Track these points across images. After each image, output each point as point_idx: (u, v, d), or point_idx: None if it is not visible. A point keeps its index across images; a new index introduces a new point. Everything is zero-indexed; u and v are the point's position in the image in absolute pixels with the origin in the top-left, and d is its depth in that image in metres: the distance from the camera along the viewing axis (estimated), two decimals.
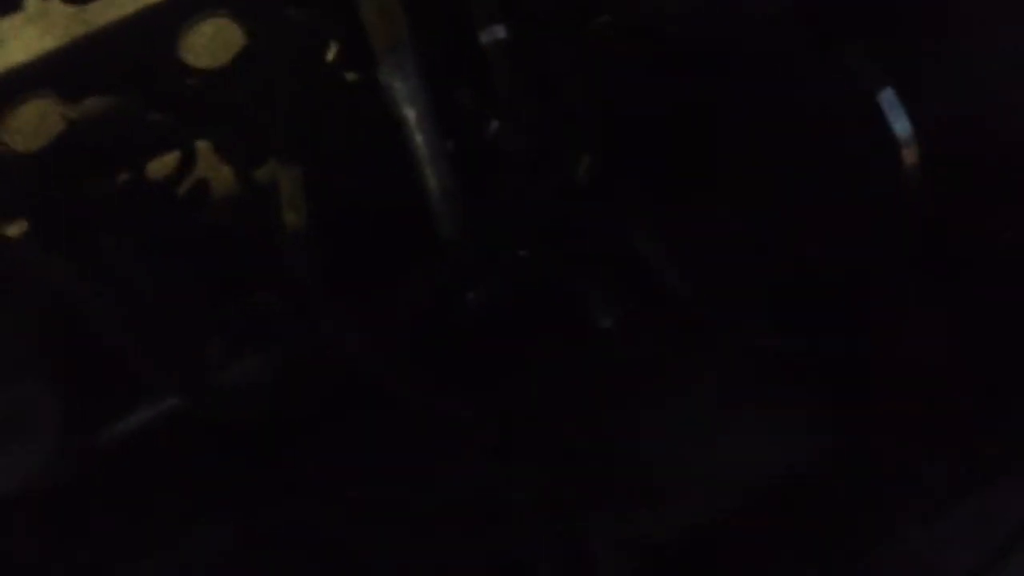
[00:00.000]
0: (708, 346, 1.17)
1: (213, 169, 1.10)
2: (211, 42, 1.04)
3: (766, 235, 1.18)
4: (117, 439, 1.10)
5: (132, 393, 1.09)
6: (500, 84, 1.10)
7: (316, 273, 1.06)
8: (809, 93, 1.16)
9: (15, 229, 1.03)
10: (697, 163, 1.18)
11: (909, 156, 1.16)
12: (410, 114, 1.10)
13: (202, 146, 1.10)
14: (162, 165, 1.10)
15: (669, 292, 1.17)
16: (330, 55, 1.11)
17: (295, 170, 1.06)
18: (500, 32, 1.10)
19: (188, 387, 1.09)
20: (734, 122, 1.18)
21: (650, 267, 1.16)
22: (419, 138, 1.11)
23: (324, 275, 1.08)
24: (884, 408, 1.13)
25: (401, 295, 1.13)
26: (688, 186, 1.18)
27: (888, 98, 1.14)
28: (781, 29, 1.14)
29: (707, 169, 1.18)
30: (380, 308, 1.12)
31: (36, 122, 0.99)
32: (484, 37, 1.10)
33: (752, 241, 1.18)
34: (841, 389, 1.15)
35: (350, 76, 1.12)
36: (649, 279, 1.17)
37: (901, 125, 1.16)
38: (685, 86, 1.17)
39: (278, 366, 1.10)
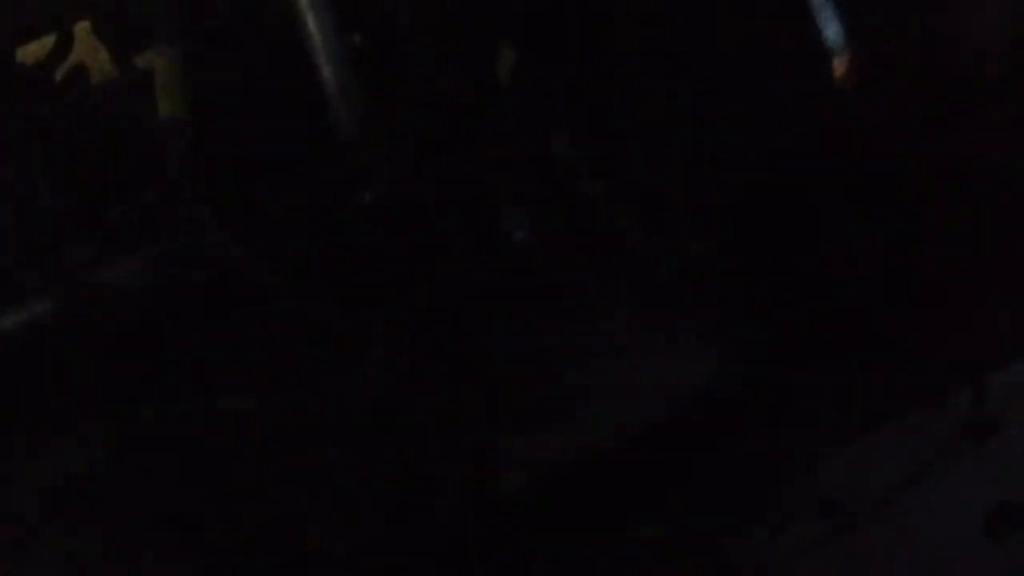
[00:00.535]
0: (622, 259, 1.10)
1: (90, 55, 1.03)
2: None
3: (686, 141, 1.11)
4: None
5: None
6: None
7: (192, 165, 1.00)
8: None
9: None
10: (618, 65, 1.11)
11: (839, 64, 1.08)
12: (302, 6, 1.04)
13: (80, 29, 1.04)
14: (40, 48, 1.04)
15: (583, 200, 1.10)
16: None
17: (173, 54, 1.00)
18: None
19: (57, 288, 1.03)
20: (656, 20, 1.10)
21: (565, 172, 1.10)
22: (312, 23, 1.05)
23: (207, 171, 1.02)
24: (804, 327, 1.07)
25: (290, 194, 1.07)
26: (606, 90, 1.11)
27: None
28: None
29: (627, 72, 1.11)
30: (267, 208, 1.06)
31: None
32: None
33: (671, 148, 1.11)
34: (759, 306, 1.09)
35: None
36: (563, 189, 1.11)
37: (833, 29, 1.09)
38: None
39: (156, 267, 1.04)
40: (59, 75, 1.03)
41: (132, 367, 1.04)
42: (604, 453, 1.06)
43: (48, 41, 1.02)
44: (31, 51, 1.02)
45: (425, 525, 1.01)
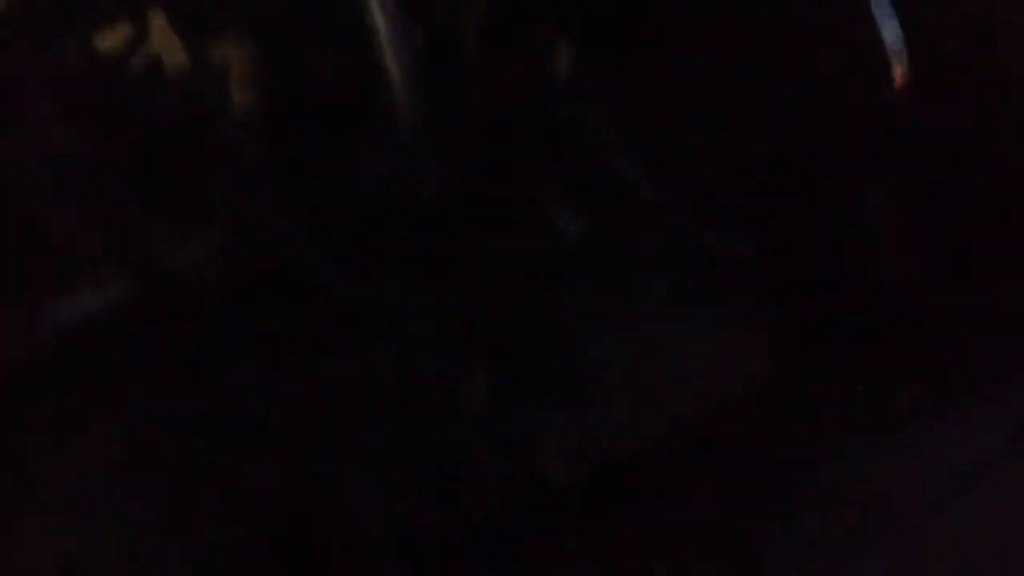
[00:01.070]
0: (667, 250, 1.12)
1: (165, 47, 1.07)
2: None
3: (736, 137, 1.12)
4: (64, 324, 1.08)
5: (77, 276, 1.07)
6: None
7: (262, 155, 1.03)
8: None
9: None
10: (669, 58, 1.12)
11: (898, 65, 1.09)
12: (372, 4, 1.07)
13: (156, 22, 1.07)
14: (117, 37, 1.07)
15: (631, 193, 1.12)
16: None
17: (247, 47, 1.03)
18: None
19: (136, 270, 1.06)
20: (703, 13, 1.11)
21: (613, 166, 1.11)
22: (382, 21, 1.07)
23: (274, 158, 1.04)
24: (848, 324, 1.07)
25: (352, 180, 1.09)
26: (658, 82, 1.13)
27: None
28: None
29: (678, 64, 1.12)
30: (329, 193, 1.09)
31: None
32: None
33: (720, 143, 1.12)
34: (804, 301, 1.10)
35: None
36: (611, 182, 1.12)
37: (891, 30, 1.09)
38: None
39: (221, 249, 1.07)
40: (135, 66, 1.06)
41: (196, 348, 1.07)
42: (647, 443, 1.07)
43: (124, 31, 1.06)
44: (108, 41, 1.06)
45: (467, 508, 1.03)
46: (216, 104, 1.04)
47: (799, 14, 1.10)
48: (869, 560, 0.97)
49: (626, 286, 1.13)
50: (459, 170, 1.11)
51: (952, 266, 1.09)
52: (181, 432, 1.05)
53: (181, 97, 1.05)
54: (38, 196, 1.01)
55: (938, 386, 1.05)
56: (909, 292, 1.07)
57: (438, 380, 1.07)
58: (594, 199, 1.14)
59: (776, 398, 1.06)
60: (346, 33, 1.07)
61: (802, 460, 1.03)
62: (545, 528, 1.02)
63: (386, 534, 1.01)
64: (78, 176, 1.04)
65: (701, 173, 1.13)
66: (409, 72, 1.09)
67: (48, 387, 1.09)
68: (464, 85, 1.08)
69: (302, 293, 1.08)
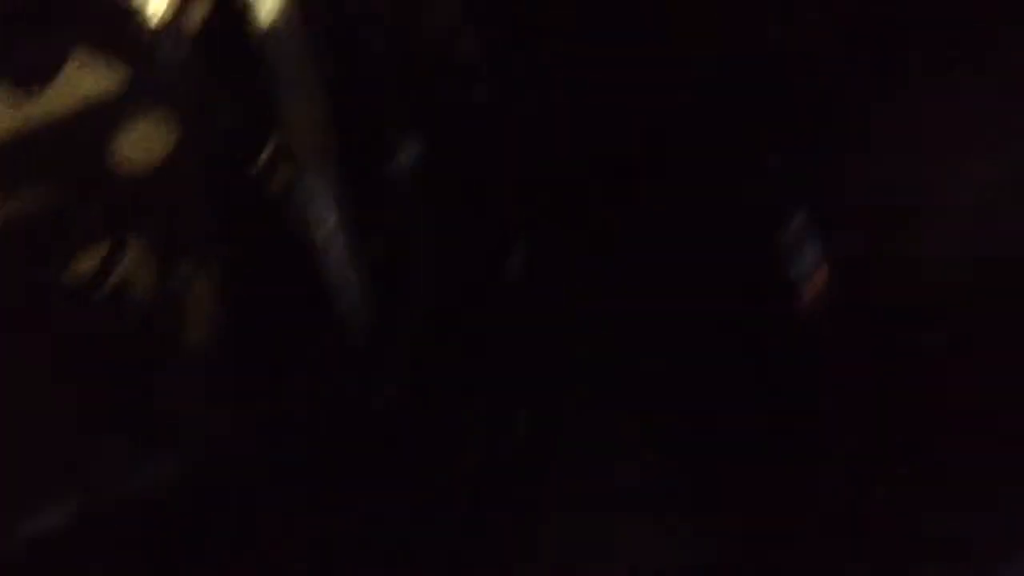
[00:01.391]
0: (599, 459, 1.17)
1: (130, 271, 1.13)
2: (144, 140, 1.10)
3: (661, 336, 1.18)
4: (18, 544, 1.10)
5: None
6: (410, 203, 1.14)
7: (217, 382, 1.08)
8: (717, 199, 1.17)
9: None
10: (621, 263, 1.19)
11: (810, 288, 1.15)
12: (322, 232, 1.14)
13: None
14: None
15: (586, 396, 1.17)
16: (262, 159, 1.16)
17: (207, 275, 1.10)
18: (414, 150, 1.14)
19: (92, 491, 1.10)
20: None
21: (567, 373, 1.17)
22: (330, 253, 1.15)
23: (230, 379, 1.10)
24: (770, 526, 1.12)
25: (303, 396, 1.15)
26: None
27: (796, 226, 1.13)
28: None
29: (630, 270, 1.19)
30: (283, 410, 1.14)
31: None
32: (400, 159, 1.14)
33: (647, 346, 1.18)
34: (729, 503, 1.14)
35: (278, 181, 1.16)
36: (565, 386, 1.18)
37: (808, 257, 1.16)
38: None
39: (178, 470, 1.11)
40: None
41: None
42: None
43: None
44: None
45: None
46: (178, 328, 1.09)
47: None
48: None
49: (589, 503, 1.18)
50: (411, 380, 1.17)
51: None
52: None
53: (145, 321, 1.11)
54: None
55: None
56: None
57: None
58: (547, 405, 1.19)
59: None
60: (297, 248, 1.14)
61: None
62: None
63: None
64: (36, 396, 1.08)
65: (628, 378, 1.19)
66: (361, 286, 1.16)
67: None
68: (416, 296, 1.14)
69: (257, 516, 1.12)
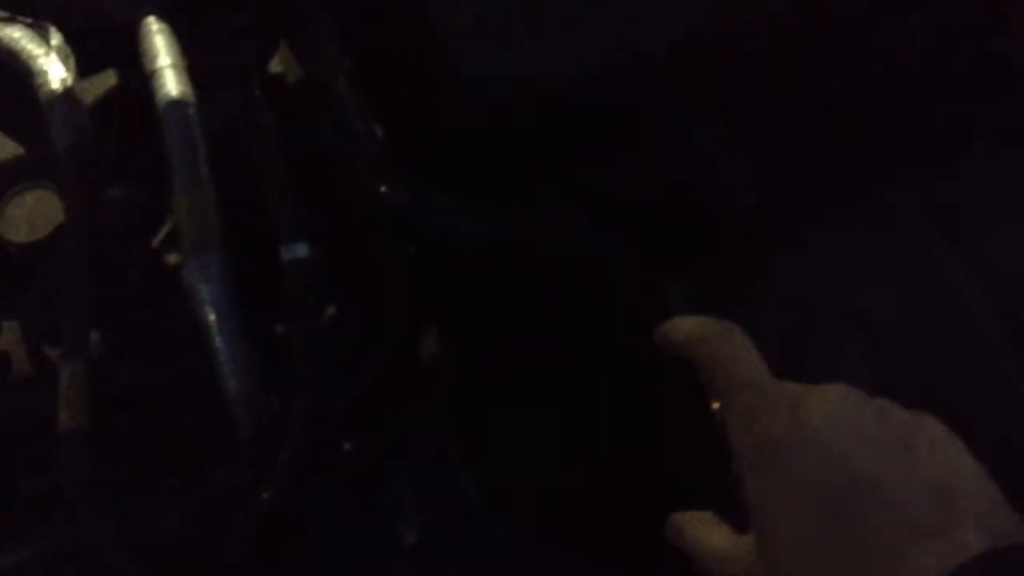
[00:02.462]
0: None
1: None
2: (30, 214, 1.09)
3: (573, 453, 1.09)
4: None
5: None
6: (294, 300, 1.09)
7: (85, 473, 1.05)
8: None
9: None
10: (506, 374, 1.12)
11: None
12: (211, 317, 1.10)
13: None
14: None
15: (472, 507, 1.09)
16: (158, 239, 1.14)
17: (79, 365, 1.06)
18: (302, 251, 1.09)
19: None
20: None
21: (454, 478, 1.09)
22: (219, 342, 1.10)
23: (101, 471, 1.06)
24: None
25: (191, 503, 1.10)
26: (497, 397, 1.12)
27: None
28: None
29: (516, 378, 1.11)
30: (162, 516, 1.09)
31: None
32: (284, 254, 1.09)
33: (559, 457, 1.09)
34: None
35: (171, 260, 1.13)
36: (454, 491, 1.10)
37: None
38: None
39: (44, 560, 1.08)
40: None
41: None
42: None
43: None
44: None
45: None
46: (51, 412, 1.06)
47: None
48: None
49: None
50: (303, 480, 1.11)
51: None
52: None
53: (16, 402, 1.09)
54: None
55: None
56: None
57: None
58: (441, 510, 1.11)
59: None
60: (182, 349, 1.10)
61: None
62: None
63: None
64: None
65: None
66: (247, 390, 1.10)
67: None
68: (309, 387, 1.08)
69: None
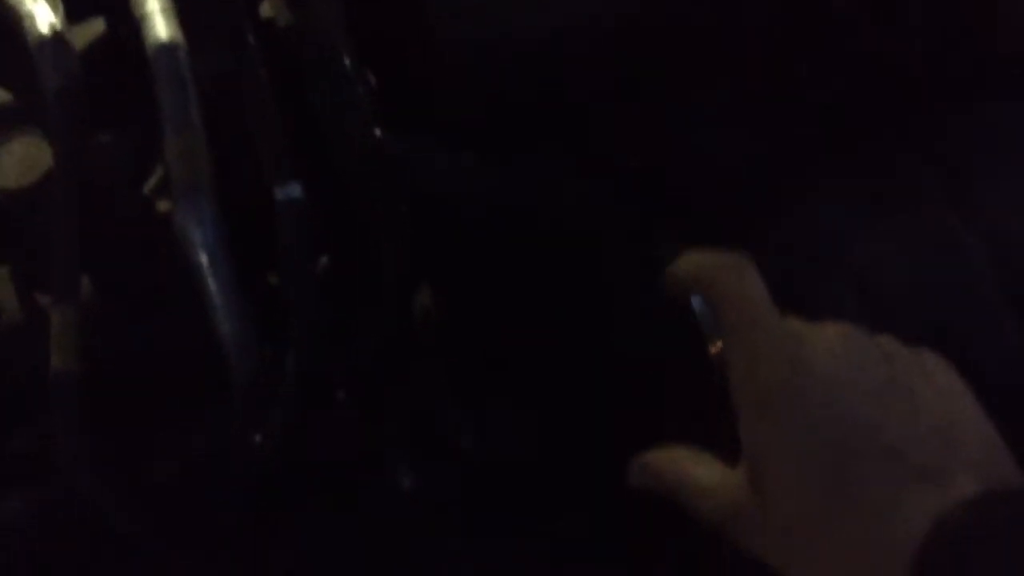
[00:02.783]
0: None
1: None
2: (19, 160, 1.08)
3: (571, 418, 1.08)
4: None
5: None
6: (287, 243, 1.07)
7: (77, 420, 1.03)
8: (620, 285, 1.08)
9: None
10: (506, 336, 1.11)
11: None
12: (204, 260, 1.08)
13: None
14: None
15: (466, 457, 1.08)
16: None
17: (69, 310, 1.05)
18: (295, 191, 1.08)
19: None
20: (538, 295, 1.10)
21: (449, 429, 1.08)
22: (212, 285, 1.09)
23: (96, 418, 1.05)
24: None
25: (183, 457, 1.09)
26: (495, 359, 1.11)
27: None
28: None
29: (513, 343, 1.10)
30: (152, 459, 1.08)
31: None
32: (278, 195, 1.07)
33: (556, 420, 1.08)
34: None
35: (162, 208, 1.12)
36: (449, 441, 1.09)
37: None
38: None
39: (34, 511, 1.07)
40: None
41: None
42: None
43: None
44: None
45: None
46: (42, 359, 1.05)
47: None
48: None
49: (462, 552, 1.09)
50: (294, 437, 1.10)
51: None
52: None
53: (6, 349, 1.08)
54: None
55: None
56: None
57: None
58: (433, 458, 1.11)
59: None
60: (174, 297, 1.09)
61: None
62: None
63: None
64: None
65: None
66: (239, 336, 1.09)
67: None
68: (303, 335, 1.07)
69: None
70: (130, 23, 1.10)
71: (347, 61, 1.09)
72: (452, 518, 1.09)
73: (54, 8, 1.12)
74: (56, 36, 1.10)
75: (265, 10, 1.17)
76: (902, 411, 0.80)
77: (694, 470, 0.86)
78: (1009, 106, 1.15)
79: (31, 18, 1.10)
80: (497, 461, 1.07)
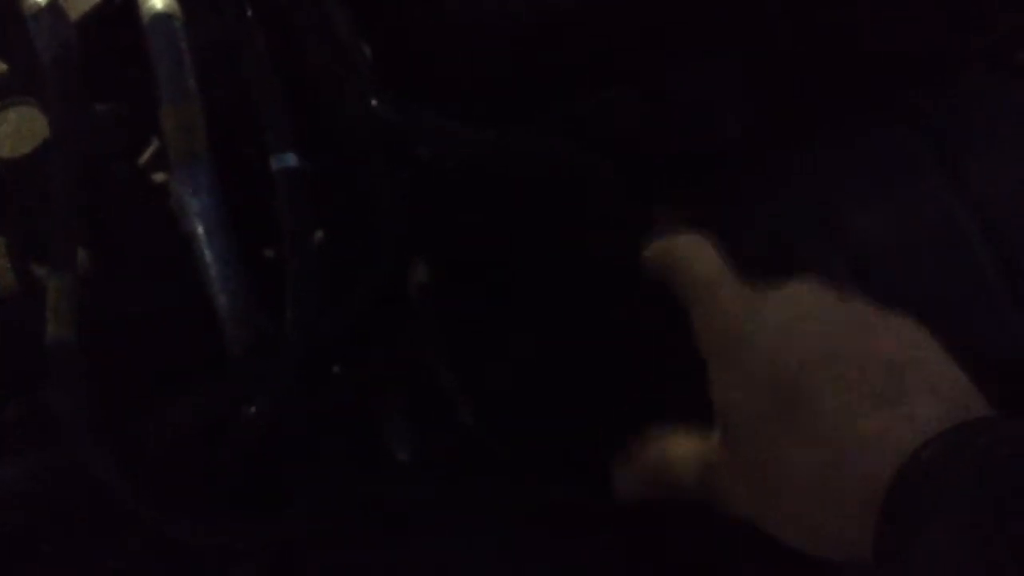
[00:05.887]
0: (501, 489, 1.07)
1: None
2: (15, 130, 1.07)
3: (569, 380, 1.08)
4: None
5: None
6: (284, 212, 1.07)
7: (74, 389, 1.03)
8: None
9: None
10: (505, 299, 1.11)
11: None
12: (200, 230, 1.08)
13: None
14: None
15: (464, 427, 1.08)
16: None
17: (66, 279, 1.05)
18: (291, 160, 1.08)
19: None
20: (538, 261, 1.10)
21: (446, 399, 1.09)
22: (208, 255, 1.09)
23: (93, 387, 1.05)
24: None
25: (173, 414, 1.09)
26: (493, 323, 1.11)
27: None
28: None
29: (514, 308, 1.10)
30: (149, 427, 1.08)
31: None
32: (274, 163, 1.08)
33: (554, 386, 1.08)
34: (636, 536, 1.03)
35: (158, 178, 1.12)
36: (447, 411, 1.10)
37: None
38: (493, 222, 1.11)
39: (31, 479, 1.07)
40: None
41: None
42: None
43: None
44: None
45: None
46: (38, 327, 1.05)
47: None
48: None
49: (458, 527, 1.09)
50: (291, 402, 1.10)
51: None
52: None
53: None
54: None
55: None
56: None
57: None
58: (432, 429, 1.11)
59: None
60: (171, 263, 1.09)
61: None
62: None
63: None
64: None
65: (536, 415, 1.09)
66: (236, 304, 1.09)
67: None
68: (301, 305, 1.07)
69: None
70: None
71: (344, 29, 1.09)
72: (450, 490, 1.09)
73: None
74: (51, 5, 1.09)
75: None
76: (855, 343, 0.79)
77: (670, 448, 0.87)
78: (1000, 79, 1.16)
79: None
80: (496, 432, 1.07)
